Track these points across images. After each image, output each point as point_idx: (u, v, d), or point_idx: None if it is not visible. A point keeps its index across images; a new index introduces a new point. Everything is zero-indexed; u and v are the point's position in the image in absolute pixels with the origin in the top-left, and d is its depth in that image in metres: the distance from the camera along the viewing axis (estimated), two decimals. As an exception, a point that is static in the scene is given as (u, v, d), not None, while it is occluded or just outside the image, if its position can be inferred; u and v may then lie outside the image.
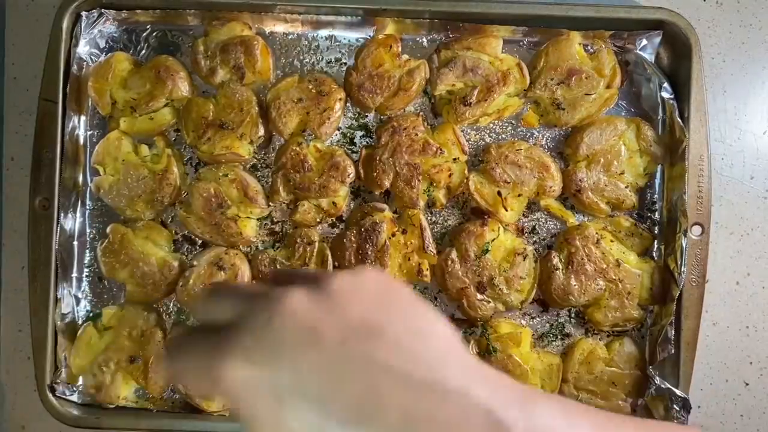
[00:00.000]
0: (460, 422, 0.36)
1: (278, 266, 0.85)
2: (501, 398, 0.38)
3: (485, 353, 0.84)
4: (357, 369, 0.36)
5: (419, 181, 0.85)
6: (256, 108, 0.85)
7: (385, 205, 0.86)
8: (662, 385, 0.83)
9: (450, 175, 0.85)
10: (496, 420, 0.37)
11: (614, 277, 0.84)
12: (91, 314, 0.88)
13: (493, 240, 0.85)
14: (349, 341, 0.36)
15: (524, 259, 0.85)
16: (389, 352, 0.37)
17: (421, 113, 0.88)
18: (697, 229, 0.83)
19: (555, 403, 0.40)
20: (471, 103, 0.84)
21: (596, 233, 0.85)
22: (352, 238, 0.84)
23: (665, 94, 0.85)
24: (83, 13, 0.83)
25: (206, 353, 0.38)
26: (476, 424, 0.36)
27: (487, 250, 0.84)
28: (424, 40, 0.88)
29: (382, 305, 0.39)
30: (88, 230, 0.89)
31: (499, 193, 0.85)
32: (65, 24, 0.83)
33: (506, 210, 0.85)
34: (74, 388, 0.86)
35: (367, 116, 0.89)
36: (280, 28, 0.88)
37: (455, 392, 0.37)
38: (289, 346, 0.36)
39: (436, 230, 0.88)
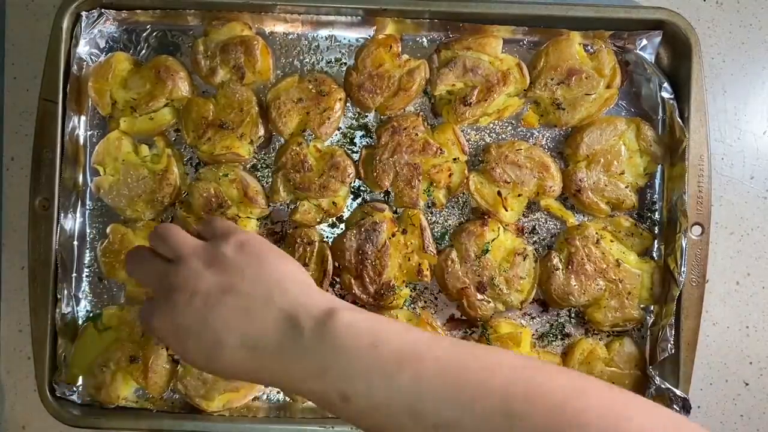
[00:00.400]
0: (274, 327, 0.57)
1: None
2: (307, 311, 0.57)
3: (485, 353, 0.84)
4: (216, 317, 0.58)
5: (419, 181, 0.85)
6: (256, 108, 0.85)
7: (385, 205, 0.86)
8: (662, 385, 0.83)
9: (450, 175, 0.85)
10: (294, 324, 0.56)
11: (614, 277, 0.84)
12: (91, 314, 0.88)
13: (493, 240, 0.85)
14: (212, 296, 0.59)
15: (524, 259, 0.85)
16: (236, 302, 0.59)
17: (421, 113, 0.88)
18: (697, 229, 0.83)
19: (349, 315, 0.56)
20: (471, 103, 0.84)
21: (596, 233, 0.85)
22: (352, 238, 0.84)
23: (665, 94, 0.85)
24: (83, 13, 0.83)
25: (142, 315, 0.65)
26: (281, 327, 0.57)
27: (487, 250, 0.84)
28: (424, 40, 0.88)
29: (238, 267, 0.61)
30: (88, 230, 0.89)
31: (499, 193, 0.85)
32: (65, 24, 0.83)
33: (506, 210, 0.85)
34: (74, 388, 0.86)
35: (367, 116, 0.89)
36: (280, 28, 0.88)
37: (277, 308, 0.58)
38: (180, 310, 0.59)
39: (436, 230, 0.88)
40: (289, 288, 0.59)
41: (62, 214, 0.84)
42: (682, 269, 0.82)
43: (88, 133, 0.88)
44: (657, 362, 0.84)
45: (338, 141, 0.89)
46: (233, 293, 0.58)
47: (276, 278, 0.60)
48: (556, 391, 0.49)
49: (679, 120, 0.83)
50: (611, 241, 0.86)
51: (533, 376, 0.50)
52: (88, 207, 0.89)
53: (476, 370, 0.51)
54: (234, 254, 0.61)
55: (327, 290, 0.86)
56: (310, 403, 0.87)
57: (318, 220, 0.86)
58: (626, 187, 0.86)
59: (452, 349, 0.54)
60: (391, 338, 0.54)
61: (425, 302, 0.88)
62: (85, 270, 0.89)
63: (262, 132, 0.86)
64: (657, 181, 0.88)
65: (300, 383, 0.55)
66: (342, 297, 0.88)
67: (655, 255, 0.87)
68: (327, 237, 0.88)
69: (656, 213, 0.88)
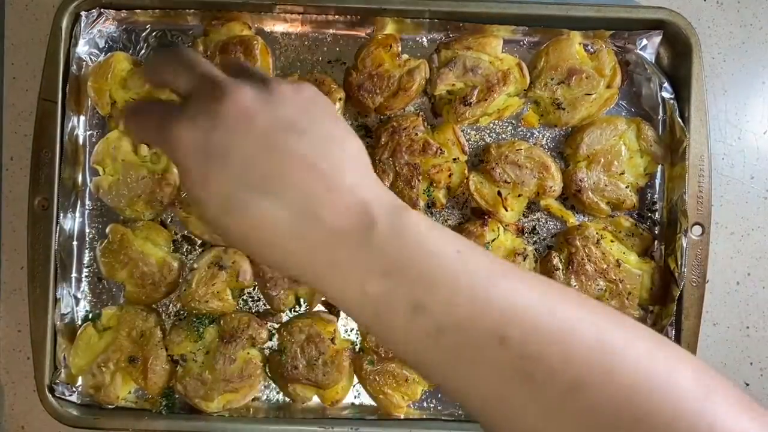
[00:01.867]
0: (340, 210, 0.43)
1: (278, 266, 0.85)
2: (379, 201, 0.44)
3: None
4: (274, 151, 0.44)
5: (419, 181, 0.84)
6: (256, 108, 0.85)
7: (385, 205, 0.86)
8: (662, 386, 0.83)
9: (450, 175, 0.85)
10: (365, 212, 0.43)
11: (614, 278, 0.84)
12: (90, 314, 0.88)
13: (493, 240, 0.84)
14: (274, 130, 0.44)
15: (524, 259, 0.85)
16: (304, 145, 0.44)
17: (421, 113, 0.88)
18: (697, 229, 0.83)
19: (423, 220, 0.45)
20: (471, 103, 0.84)
21: (596, 233, 0.85)
22: (352, 238, 0.84)
23: (665, 94, 0.85)
24: (83, 13, 0.83)
25: (162, 116, 0.46)
26: (351, 212, 0.43)
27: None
28: (424, 40, 0.88)
29: (309, 112, 0.46)
30: (87, 230, 0.89)
31: (499, 193, 0.85)
32: (65, 24, 0.83)
33: (506, 210, 0.85)
34: (73, 389, 0.86)
35: (367, 116, 0.89)
36: (280, 28, 0.88)
37: (347, 187, 0.44)
38: (227, 122, 0.44)
39: (436, 230, 0.88)
40: (359, 166, 0.46)
41: (61, 214, 0.84)
42: (683, 269, 0.82)
43: (88, 133, 0.88)
44: (657, 362, 0.84)
45: (338, 141, 0.88)
46: (303, 136, 0.44)
47: (346, 147, 0.47)
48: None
49: (680, 120, 0.83)
50: (611, 241, 0.86)
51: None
52: (87, 207, 0.88)
53: (568, 303, 0.43)
54: (294, 95, 0.47)
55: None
56: (310, 403, 0.87)
57: (318, 220, 0.86)
58: (626, 187, 0.86)
59: (545, 279, 0.45)
60: (478, 252, 0.44)
61: (425, 302, 0.88)
62: (85, 270, 0.89)
63: (261, 132, 0.86)
64: (657, 181, 0.88)
65: (356, 281, 0.42)
66: (342, 297, 0.88)
67: (655, 255, 0.87)
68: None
69: (656, 213, 0.88)
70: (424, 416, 0.86)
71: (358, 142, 0.48)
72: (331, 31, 0.88)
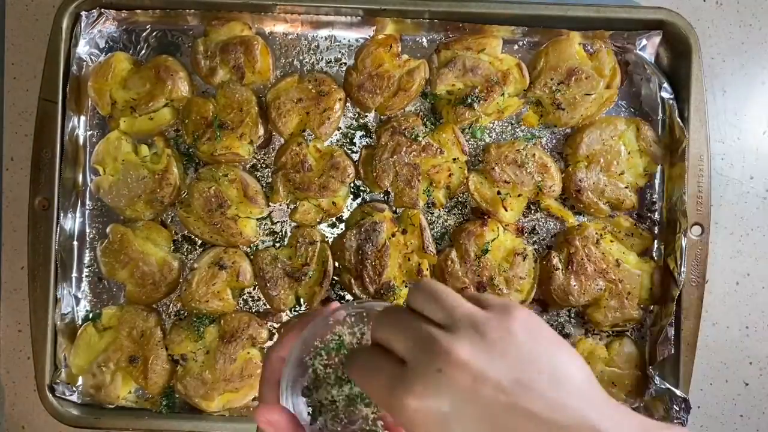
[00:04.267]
0: None
1: (279, 264, 0.85)
2: (623, 429, 0.45)
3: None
4: (506, 416, 0.44)
5: (419, 181, 0.85)
6: (256, 108, 0.85)
7: (385, 205, 0.86)
8: (662, 386, 0.83)
9: (450, 175, 0.85)
10: None
11: (614, 278, 0.84)
12: (90, 314, 0.88)
13: (493, 240, 0.85)
14: (504, 394, 0.45)
15: (524, 259, 0.85)
16: (534, 402, 0.44)
17: (421, 113, 0.88)
18: (696, 229, 0.83)
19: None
20: (471, 103, 0.84)
21: (596, 233, 0.85)
22: (352, 238, 0.84)
23: (665, 94, 0.85)
24: (83, 13, 0.83)
25: (389, 382, 0.47)
26: None
27: (486, 250, 0.84)
28: (424, 40, 0.88)
29: (532, 356, 0.46)
30: (87, 230, 0.89)
31: (498, 193, 0.85)
32: (65, 24, 0.83)
33: (506, 210, 0.85)
34: (74, 388, 0.86)
35: (367, 116, 0.89)
36: (280, 28, 0.88)
37: (588, 429, 0.44)
38: (452, 390, 0.45)
39: (436, 230, 0.88)
40: (592, 396, 0.47)
41: (62, 214, 0.84)
42: (682, 269, 0.82)
43: (88, 133, 0.88)
44: (657, 362, 0.84)
45: (338, 141, 0.89)
46: (532, 392, 0.45)
47: (577, 379, 0.47)
48: None
49: (679, 120, 0.83)
50: (611, 241, 0.86)
51: None
52: (87, 207, 0.89)
53: None
54: (525, 338, 0.47)
55: (327, 290, 0.86)
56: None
57: (318, 220, 0.86)
58: (626, 187, 0.86)
59: None
60: None
61: (425, 302, 0.88)
62: (85, 270, 0.89)
63: (261, 132, 0.86)
64: (657, 181, 0.88)
65: None
66: (342, 297, 0.88)
67: (655, 255, 0.87)
68: (327, 237, 0.88)
69: (656, 213, 0.88)
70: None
71: (582, 366, 0.48)
72: (330, 31, 0.88)
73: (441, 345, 0.46)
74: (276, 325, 0.88)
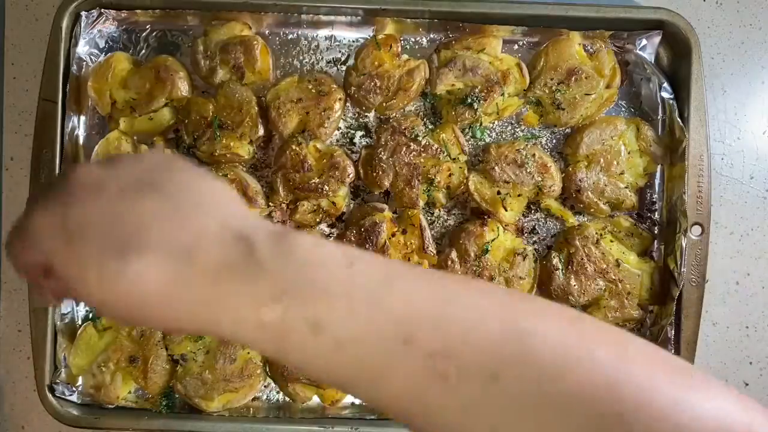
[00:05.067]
0: (213, 247, 0.41)
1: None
2: (255, 228, 0.43)
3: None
4: (130, 211, 0.42)
5: (419, 181, 0.85)
6: (256, 108, 0.85)
7: (385, 205, 0.86)
8: (662, 385, 0.83)
9: (450, 175, 0.85)
10: (242, 241, 0.41)
11: (614, 277, 0.84)
12: (90, 314, 0.88)
13: (492, 240, 0.85)
14: (125, 192, 0.43)
15: (524, 259, 0.85)
16: (157, 199, 0.43)
17: (421, 113, 0.88)
18: (696, 229, 0.83)
19: (309, 237, 0.43)
20: (471, 103, 0.84)
21: (596, 233, 0.85)
22: (352, 238, 0.84)
23: (665, 94, 0.85)
24: (83, 13, 0.83)
25: (24, 213, 0.45)
26: (226, 246, 0.41)
27: (486, 250, 0.84)
28: (424, 40, 0.88)
29: (158, 170, 0.45)
30: (87, 230, 0.89)
31: (498, 193, 0.85)
32: (65, 24, 0.83)
33: (506, 210, 0.85)
34: (74, 388, 0.86)
35: (367, 116, 0.89)
36: (280, 28, 0.88)
37: (215, 224, 0.42)
38: (79, 194, 0.43)
39: (436, 230, 0.88)
40: (226, 202, 0.45)
41: (62, 214, 0.84)
42: (682, 269, 0.82)
43: (88, 133, 0.88)
44: (657, 362, 0.84)
45: (338, 141, 0.89)
46: (155, 190, 0.43)
47: (205, 188, 0.45)
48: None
49: (679, 120, 0.83)
50: (611, 241, 0.86)
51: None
52: (87, 207, 0.88)
53: (470, 294, 0.42)
54: (137, 160, 0.46)
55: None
56: (310, 403, 0.87)
57: (318, 220, 0.86)
58: (626, 187, 0.86)
59: (443, 273, 0.45)
60: (368, 259, 0.43)
61: (425, 302, 0.88)
62: (85, 270, 0.89)
63: (261, 132, 0.86)
64: (657, 181, 0.88)
65: (248, 312, 0.40)
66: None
67: (655, 255, 0.87)
68: (327, 237, 0.88)
69: (656, 213, 0.88)
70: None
71: (219, 182, 0.47)
72: (330, 31, 0.88)
73: (64, 170, 0.45)
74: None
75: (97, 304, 0.42)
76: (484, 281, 0.41)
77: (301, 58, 0.89)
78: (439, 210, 0.88)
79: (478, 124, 0.86)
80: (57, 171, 0.83)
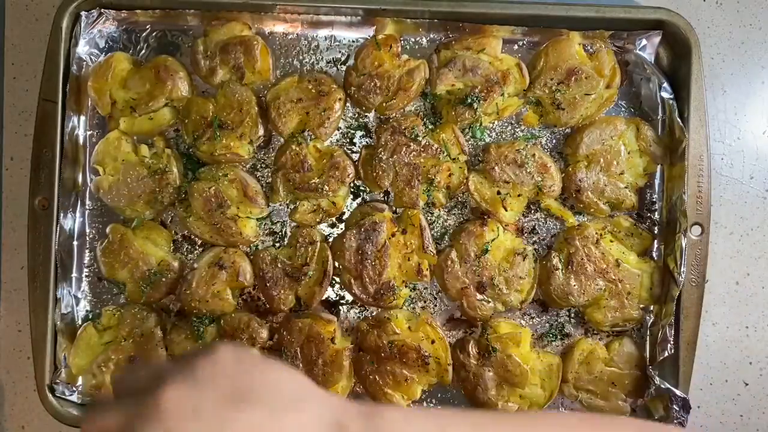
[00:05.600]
0: (305, 428, 0.46)
1: (279, 264, 0.85)
2: (348, 413, 0.47)
3: (485, 353, 0.84)
4: (229, 428, 0.44)
5: (419, 181, 0.84)
6: (256, 108, 0.85)
7: (385, 205, 0.86)
8: (662, 385, 0.83)
9: (450, 175, 0.85)
10: (332, 417, 0.46)
11: (614, 277, 0.84)
12: (90, 314, 0.88)
13: (492, 240, 0.85)
14: (221, 409, 0.45)
15: (524, 259, 0.85)
16: (255, 408, 0.45)
17: (421, 113, 0.88)
18: (696, 229, 0.83)
19: (397, 412, 0.48)
20: (471, 103, 0.84)
21: (596, 233, 0.85)
22: (352, 238, 0.84)
23: (665, 94, 0.85)
24: (83, 13, 0.83)
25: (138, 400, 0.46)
26: (315, 425, 0.46)
27: (486, 250, 0.84)
28: (424, 40, 0.88)
29: (239, 373, 0.48)
30: (87, 230, 0.89)
31: (498, 192, 0.85)
32: (65, 24, 0.83)
33: (506, 210, 0.85)
34: (74, 388, 0.86)
35: (367, 116, 0.89)
36: (280, 28, 0.88)
37: (307, 418, 0.46)
38: (178, 425, 0.44)
39: (436, 230, 0.88)
40: (310, 391, 0.50)
41: (62, 214, 0.84)
42: (682, 269, 0.82)
43: (88, 133, 0.88)
44: (657, 362, 0.84)
45: (338, 141, 0.89)
46: (246, 400, 0.46)
47: (289, 381, 0.49)
48: None
49: (679, 120, 0.83)
50: (611, 241, 0.86)
51: None
52: (87, 207, 0.89)
53: None
54: (228, 362, 0.49)
55: (327, 290, 0.86)
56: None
57: (318, 220, 0.86)
58: (626, 187, 0.86)
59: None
60: (458, 421, 0.48)
61: (425, 302, 0.88)
62: (85, 270, 0.89)
63: (261, 132, 0.86)
64: (657, 181, 0.88)
65: None
66: (342, 297, 0.88)
67: (654, 255, 0.87)
68: (327, 237, 0.88)
69: (656, 213, 0.88)
70: (424, 416, 0.86)
71: (295, 372, 0.51)
72: (330, 31, 0.88)
73: (150, 391, 0.46)
74: (276, 325, 0.88)
75: None
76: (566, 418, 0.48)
77: (301, 58, 0.89)
78: (439, 210, 0.88)
79: (478, 124, 0.86)
80: (57, 171, 0.83)
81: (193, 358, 0.48)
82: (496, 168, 0.85)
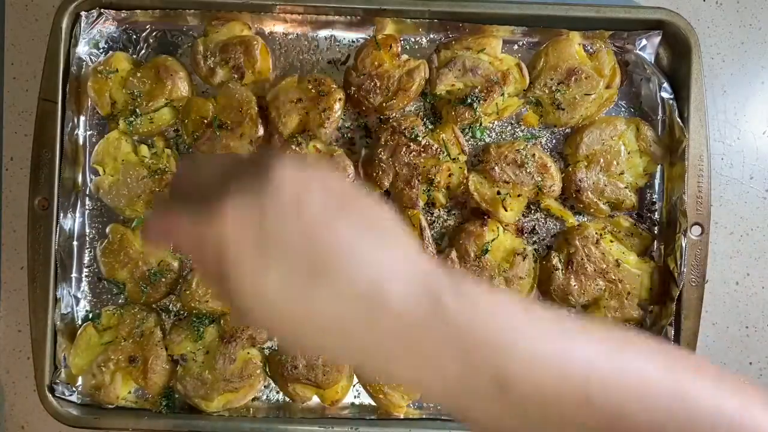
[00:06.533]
0: (405, 291, 0.40)
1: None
2: (435, 271, 0.41)
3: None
4: (326, 237, 0.40)
5: (419, 181, 0.85)
6: (256, 108, 0.85)
7: (384, 205, 0.86)
8: (662, 385, 0.83)
9: (450, 175, 0.85)
10: (429, 287, 0.40)
11: (614, 278, 0.84)
12: (90, 314, 0.88)
13: (492, 240, 0.85)
14: (325, 214, 0.40)
15: (524, 259, 0.85)
16: (353, 227, 0.41)
17: (421, 113, 0.88)
18: (696, 229, 0.83)
19: (482, 284, 0.43)
20: (471, 103, 0.84)
21: (596, 233, 0.85)
22: (352, 238, 0.84)
23: (665, 94, 0.85)
24: (83, 13, 0.83)
25: (204, 202, 0.41)
26: (416, 291, 0.40)
27: (486, 250, 0.84)
28: (424, 40, 0.88)
29: (351, 195, 0.43)
30: (87, 230, 0.89)
31: (498, 193, 0.85)
32: (65, 24, 0.83)
33: (506, 210, 0.85)
34: (74, 388, 0.86)
35: (367, 116, 0.89)
36: (279, 28, 0.88)
37: (405, 265, 0.41)
38: (279, 206, 0.40)
39: (436, 230, 0.88)
40: (408, 238, 0.43)
41: (61, 214, 0.84)
42: (682, 269, 0.82)
43: (88, 133, 0.88)
44: (657, 362, 0.84)
45: (338, 141, 0.89)
46: (350, 218, 0.41)
47: (393, 222, 0.43)
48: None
49: (679, 120, 0.83)
50: (611, 241, 0.86)
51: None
52: (87, 207, 0.89)
53: (638, 356, 0.43)
54: (338, 179, 0.44)
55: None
56: (310, 403, 0.87)
57: (318, 220, 0.86)
58: (626, 187, 0.86)
59: (611, 328, 0.45)
60: (539, 306, 0.43)
61: (425, 302, 0.88)
62: (85, 270, 0.89)
63: (261, 132, 0.86)
64: (657, 181, 0.88)
65: (432, 364, 0.40)
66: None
67: (654, 255, 0.87)
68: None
69: (656, 213, 0.88)
70: (424, 416, 0.86)
71: (398, 217, 0.45)
72: (330, 31, 0.88)
73: (262, 162, 0.41)
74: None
75: (260, 314, 0.41)
76: (644, 337, 0.44)
77: (301, 58, 0.89)
78: (439, 210, 0.88)
79: (478, 124, 0.86)
80: (57, 171, 0.83)
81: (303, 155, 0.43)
82: (496, 168, 0.85)
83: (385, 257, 0.41)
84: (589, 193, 0.85)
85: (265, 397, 0.88)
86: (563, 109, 0.85)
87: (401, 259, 0.41)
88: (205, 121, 0.85)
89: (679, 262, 0.82)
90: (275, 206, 0.40)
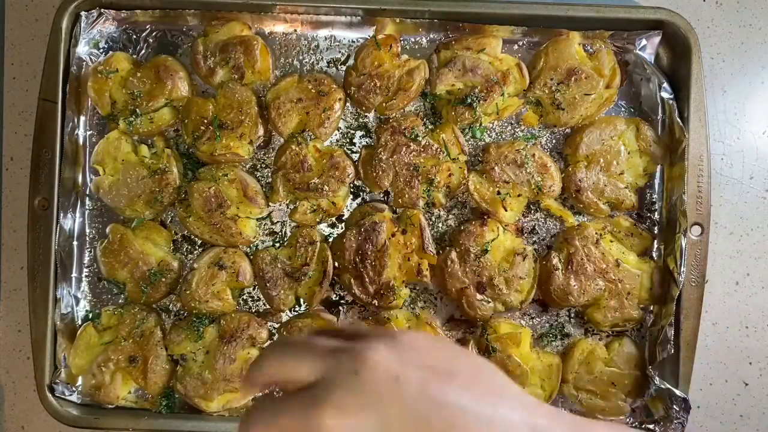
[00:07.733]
0: (509, 422, 0.42)
1: (279, 264, 0.85)
2: (560, 424, 0.44)
3: (485, 353, 0.84)
4: (436, 409, 0.41)
5: (419, 181, 0.85)
6: (256, 108, 0.85)
7: (385, 205, 0.86)
8: (662, 386, 0.83)
9: (450, 175, 0.85)
10: (530, 422, 0.42)
11: (614, 278, 0.84)
12: (90, 314, 0.88)
13: (492, 240, 0.84)
14: (430, 383, 0.42)
15: (524, 259, 0.85)
16: (461, 392, 0.42)
17: (421, 113, 0.88)
18: (696, 229, 0.83)
19: (604, 428, 0.47)
20: (471, 103, 0.84)
21: (596, 233, 0.85)
22: (352, 238, 0.84)
23: (665, 94, 0.85)
24: (83, 13, 0.83)
25: (301, 409, 0.41)
26: (516, 422, 0.42)
27: (486, 251, 0.84)
28: (424, 40, 0.88)
29: (446, 351, 0.46)
30: (87, 230, 0.89)
31: (498, 193, 0.85)
32: (65, 24, 0.83)
33: (505, 210, 0.85)
34: (73, 388, 0.86)
35: (366, 116, 0.89)
36: (280, 28, 0.88)
37: (520, 423, 0.43)
38: (377, 395, 0.41)
39: (436, 230, 0.88)
40: (511, 388, 0.46)
41: (61, 214, 0.84)
42: (682, 269, 0.82)
43: (88, 133, 0.88)
44: (657, 362, 0.84)
45: (338, 141, 0.89)
46: (452, 381, 0.43)
47: (492, 373, 0.46)
48: None
49: (679, 120, 0.83)
50: (611, 241, 0.86)
51: None
52: (87, 207, 0.89)
53: None
54: (436, 341, 0.47)
55: (327, 290, 0.86)
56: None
57: (317, 220, 0.86)
58: (626, 187, 0.86)
59: None
60: None
61: (425, 302, 0.88)
62: (85, 270, 0.89)
63: (261, 132, 0.86)
64: (657, 181, 0.88)
65: None
66: (342, 297, 0.88)
67: (654, 255, 0.87)
68: (327, 237, 0.88)
69: (656, 213, 0.88)
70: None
71: (495, 365, 0.47)
72: (330, 31, 0.88)
73: (354, 350, 0.43)
74: (276, 325, 0.88)
75: None
76: None
77: (301, 58, 0.89)
78: (439, 210, 0.88)
79: (478, 124, 0.86)
80: (57, 171, 0.83)
81: (391, 330, 0.46)
82: (496, 168, 0.85)
83: (499, 412, 0.43)
84: (589, 193, 0.85)
85: (265, 397, 0.88)
86: (563, 109, 0.85)
87: (514, 406, 0.44)
88: (205, 121, 0.85)
89: (679, 262, 0.82)
90: (371, 390, 0.41)
